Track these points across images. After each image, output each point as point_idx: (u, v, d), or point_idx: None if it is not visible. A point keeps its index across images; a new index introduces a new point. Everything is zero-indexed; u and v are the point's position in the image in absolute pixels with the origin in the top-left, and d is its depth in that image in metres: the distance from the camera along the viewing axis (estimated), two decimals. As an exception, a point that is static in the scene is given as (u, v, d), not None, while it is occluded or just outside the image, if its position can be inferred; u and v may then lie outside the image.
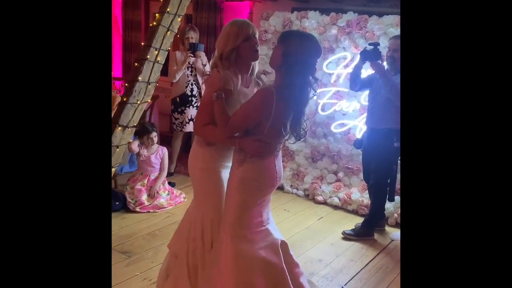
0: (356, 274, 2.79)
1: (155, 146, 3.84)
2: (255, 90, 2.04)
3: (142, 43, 3.87)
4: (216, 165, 2.02)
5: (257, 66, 2.06)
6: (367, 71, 3.52)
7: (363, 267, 2.88)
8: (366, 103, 3.96)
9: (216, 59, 1.96)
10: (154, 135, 3.79)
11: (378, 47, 3.07)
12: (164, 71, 3.87)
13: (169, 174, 4.30)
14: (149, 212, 3.59)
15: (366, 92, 3.93)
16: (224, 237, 1.95)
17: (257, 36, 1.96)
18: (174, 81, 4.27)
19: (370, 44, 3.17)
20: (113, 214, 3.42)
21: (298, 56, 1.77)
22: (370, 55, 3.08)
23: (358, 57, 3.93)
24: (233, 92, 1.90)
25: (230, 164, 2.01)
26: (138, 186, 3.69)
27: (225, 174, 2.04)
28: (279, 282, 1.92)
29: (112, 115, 3.75)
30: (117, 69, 6.28)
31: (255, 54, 1.95)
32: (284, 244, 2.03)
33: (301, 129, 1.91)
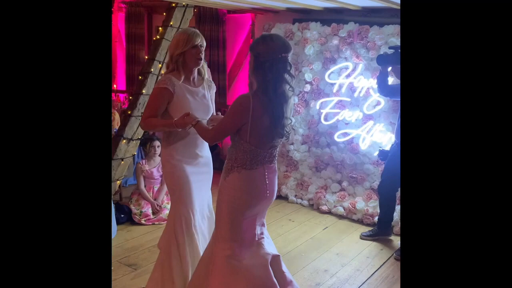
0: (362, 284, 2.78)
1: (157, 159, 3.86)
2: (206, 90, 2.30)
3: (146, 57, 3.93)
4: (179, 161, 2.24)
5: (206, 70, 2.33)
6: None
7: (369, 277, 2.87)
8: (369, 112, 3.99)
9: (167, 61, 2.28)
10: (158, 145, 3.81)
11: (399, 50, 2.97)
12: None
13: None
14: (154, 224, 3.60)
15: (369, 101, 3.97)
16: (215, 249, 1.96)
17: (203, 47, 2.21)
18: None
19: (390, 48, 3.11)
20: (118, 227, 3.43)
21: (262, 57, 1.81)
22: (391, 59, 2.98)
23: (360, 67, 3.99)
24: (174, 90, 2.17)
25: (194, 160, 2.26)
26: (142, 198, 3.71)
27: (191, 169, 2.25)
28: None
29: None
30: (120, 82, 6.33)
31: (197, 62, 2.21)
32: (276, 258, 1.99)
33: (284, 130, 1.89)
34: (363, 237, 3.47)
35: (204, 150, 2.35)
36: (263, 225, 2.03)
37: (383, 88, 3.22)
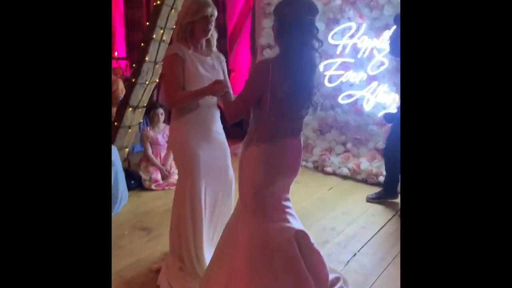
0: (368, 240, 2.88)
1: (162, 125, 3.90)
2: (215, 61, 2.25)
3: (147, 23, 3.88)
4: (188, 136, 2.19)
5: (215, 40, 2.27)
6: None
7: (375, 234, 2.97)
8: (373, 73, 3.98)
9: (177, 28, 2.22)
10: (161, 112, 3.84)
11: None
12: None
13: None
14: (164, 189, 3.69)
15: (373, 62, 3.95)
16: (239, 224, 1.91)
17: (214, 17, 2.16)
18: None
19: None
20: (129, 193, 3.52)
21: (288, 20, 1.68)
22: None
23: (363, 27, 3.94)
24: (185, 56, 2.12)
25: (205, 135, 2.21)
26: (151, 165, 3.78)
27: (201, 145, 2.19)
28: (294, 271, 1.87)
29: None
30: (120, 49, 6.26)
31: (206, 33, 2.17)
32: (302, 234, 1.92)
33: (311, 100, 1.77)
34: (369, 200, 3.50)
35: (217, 126, 2.29)
36: (287, 200, 1.95)
37: (398, 49, 3.19)
